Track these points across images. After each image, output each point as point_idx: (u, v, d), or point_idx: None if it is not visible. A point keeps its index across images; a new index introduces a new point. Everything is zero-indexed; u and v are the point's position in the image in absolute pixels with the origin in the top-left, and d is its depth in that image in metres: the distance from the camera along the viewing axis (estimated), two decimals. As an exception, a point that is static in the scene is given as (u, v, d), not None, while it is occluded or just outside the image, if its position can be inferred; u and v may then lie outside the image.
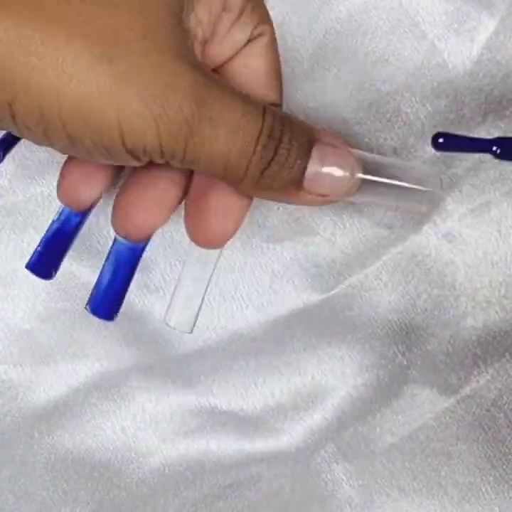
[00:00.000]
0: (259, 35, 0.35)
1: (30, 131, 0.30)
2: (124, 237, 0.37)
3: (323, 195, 0.33)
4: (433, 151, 0.45)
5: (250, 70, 0.35)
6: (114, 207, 0.37)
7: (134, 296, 0.46)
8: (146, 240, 0.38)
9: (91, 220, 0.46)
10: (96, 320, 0.46)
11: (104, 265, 0.38)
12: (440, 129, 0.44)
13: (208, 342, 0.47)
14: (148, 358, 0.47)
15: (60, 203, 0.39)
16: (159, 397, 0.47)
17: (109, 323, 0.46)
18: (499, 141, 0.38)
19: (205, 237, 0.36)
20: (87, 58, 0.28)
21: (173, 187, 0.36)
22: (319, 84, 0.45)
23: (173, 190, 0.36)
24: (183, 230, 0.37)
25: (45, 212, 0.46)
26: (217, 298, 0.46)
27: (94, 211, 0.46)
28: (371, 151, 0.45)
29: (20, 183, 0.46)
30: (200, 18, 0.32)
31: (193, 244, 0.37)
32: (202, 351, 0.47)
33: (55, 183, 0.45)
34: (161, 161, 0.32)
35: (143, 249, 0.38)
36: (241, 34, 0.35)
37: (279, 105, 0.37)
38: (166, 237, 0.45)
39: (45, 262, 0.39)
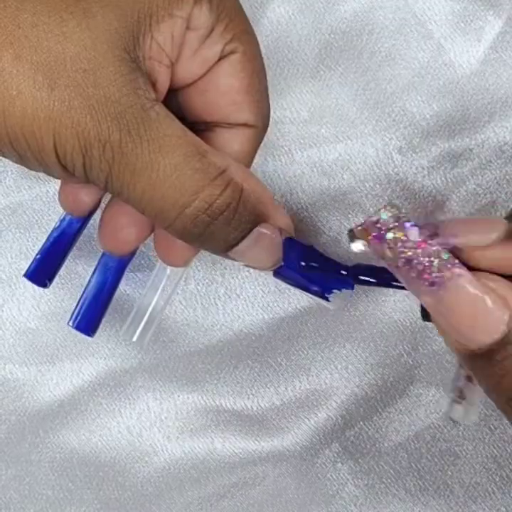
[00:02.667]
0: (231, 53, 0.34)
1: None
2: (110, 253, 0.38)
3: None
4: (439, 150, 0.45)
5: (219, 88, 0.35)
6: (99, 223, 0.38)
7: (139, 294, 0.46)
8: (132, 255, 0.39)
9: (96, 220, 0.46)
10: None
11: (89, 281, 0.39)
12: (446, 129, 0.44)
13: (214, 341, 0.47)
14: (153, 356, 0.47)
15: (60, 213, 0.39)
16: (164, 396, 0.47)
17: (115, 322, 0.47)
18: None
19: (170, 257, 0.37)
20: (31, 84, 0.29)
21: None
22: (325, 83, 0.45)
23: None
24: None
25: (51, 211, 0.46)
26: (223, 297, 0.46)
27: (95, 214, 0.46)
28: (376, 150, 0.45)
29: (26, 182, 0.46)
30: (162, 45, 0.32)
31: (160, 264, 0.39)
32: (207, 350, 0.47)
33: (60, 183, 0.46)
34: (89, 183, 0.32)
35: (128, 263, 0.39)
36: (210, 52, 0.34)
37: (253, 126, 0.36)
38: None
39: (44, 270, 0.39)
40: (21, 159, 0.31)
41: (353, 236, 0.33)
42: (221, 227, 0.32)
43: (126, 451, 0.47)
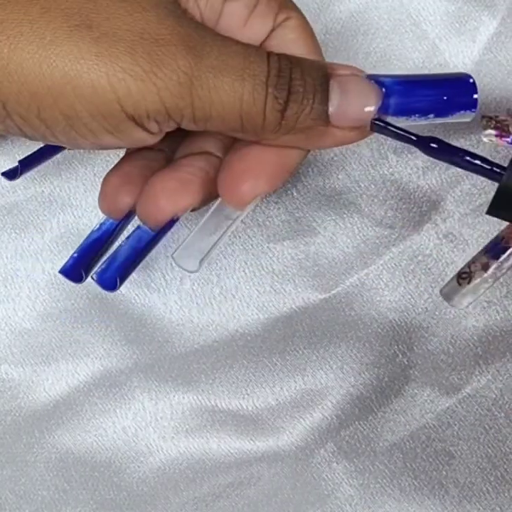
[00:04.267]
0: (285, 20, 0.34)
1: (25, 120, 0.29)
2: (145, 222, 0.36)
3: (353, 128, 0.32)
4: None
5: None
6: (140, 193, 0.35)
7: (135, 295, 0.47)
8: (167, 227, 0.36)
9: (92, 221, 0.46)
10: (96, 319, 0.46)
11: (122, 244, 0.37)
12: (441, 129, 0.44)
13: (209, 341, 0.47)
14: (148, 357, 0.47)
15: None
16: (160, 396, 0.47)
17: (110, 323, 0.47)
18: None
19: (234, 196, 0.34)
20: (66, 28, 0.28)
21: (200, 172, 0.35)
22: (320, 83, 0.45)
23: (200, 175, 0.35)
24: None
25: (46, 211, 0.46)
26: (218, 297, 0.46)
27: (91, 214, 0.46)
28: (371, 150, 0.45)
29: (21, 182, 0.46)
30: (197, 1, 0.32)
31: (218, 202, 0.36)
32: (203, 350, 0.47)
33: (55, 183, 0.46)
34: (172, 125, 0.31)
35: (162, 236, 0.37)
36: (262, 23, 0.34)
37: None
38: (167, 236, 0.45)
39: (79, 267, 0.38)
40: (71, 123, 0.29)
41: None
42: (299, 82, 0.31)
43: (122, 452, 0.47)
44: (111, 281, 0.37)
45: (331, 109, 0.31)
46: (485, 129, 0.33)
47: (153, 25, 0.29)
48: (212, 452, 0.47)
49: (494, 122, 0.33)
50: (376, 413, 0.46)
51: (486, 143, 0.45)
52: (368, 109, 0.32)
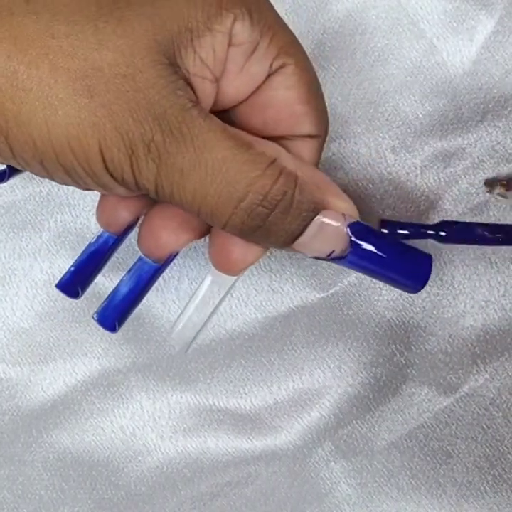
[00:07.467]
0: (281, 67, 0.34)
1: (28, 164, 0.31)
2: (147, 256, 0.37)
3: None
4: (431, 149, 0.45)
5: (278, 102, 0.34)
6: (141, 226, 0.37)
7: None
8: (169, 260, 0.38)
9: (89, 220, 0.46)
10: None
11: (122, 279, 0.38)
12: (439, 128, 0.44)
13: (207, 340, 0.47)
14: (146, 356, 0.47)
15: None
16: (157, 395, 0.47)
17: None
18: (444, 225, 0.40)
19: (225, 264, 0.36)
20: (70, 92, 0.29)
21: None
22: (318, 83, 0.45)
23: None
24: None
25: (44, 211, 0.46)
26: (216, 296, 0.46)
27: (88, 213, 0.46)
28: (369, 149, 0.45)
29: (19, 182, 0.46)
30: (204, 60, 0.32)
31: (211, 268, 0.37)
32: (200, 349, 0.47)
33: (53, 182, 0.46)
34: (142, 193, 0.32)
35: (164, 268, 0.38)
36: (258, 67, 0.33)
37: (318, 136, 0.35)
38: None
39: (76, 282, 0.39)
40: (68, 174, 0.31)
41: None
42: (280, 217, 0.31)
43: (120, 451, 0.47)
44: (111, 322, 0.38)
45: (297, 241, 0.32)
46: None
47: (143, 108, 0.30)
48: (210, 451, 0.47)
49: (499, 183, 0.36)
50: (374, 412, 0.46)
51: (484, 143, 0.45)
52: (325, 255, 0.33)
